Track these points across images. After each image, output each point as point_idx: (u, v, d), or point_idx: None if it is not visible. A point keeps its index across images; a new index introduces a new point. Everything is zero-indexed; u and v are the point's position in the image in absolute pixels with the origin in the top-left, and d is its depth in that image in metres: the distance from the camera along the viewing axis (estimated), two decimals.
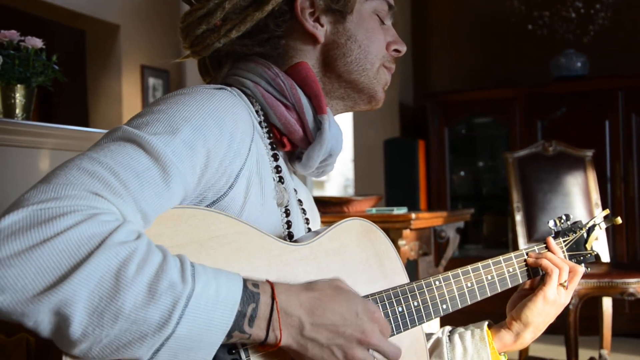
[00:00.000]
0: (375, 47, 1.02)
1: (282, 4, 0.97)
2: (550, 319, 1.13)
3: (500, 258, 1.12)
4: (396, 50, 1.05)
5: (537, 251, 1.15)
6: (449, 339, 1.15)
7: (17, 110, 1.74)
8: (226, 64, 1.02)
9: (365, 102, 1.05)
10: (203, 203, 0.85)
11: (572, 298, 2.61)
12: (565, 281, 1.11)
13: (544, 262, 1.11)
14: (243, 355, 0.79)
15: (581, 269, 1.13)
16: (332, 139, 0.98)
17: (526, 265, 1.14)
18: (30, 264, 0.63)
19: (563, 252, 1.20)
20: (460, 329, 1.17)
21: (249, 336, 0.74)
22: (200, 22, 0.97)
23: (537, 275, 1.15)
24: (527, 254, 1.14)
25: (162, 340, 0.66)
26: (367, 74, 1.01)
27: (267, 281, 0.77)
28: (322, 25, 0.99)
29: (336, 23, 1.00)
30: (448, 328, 1.18)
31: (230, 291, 0.71)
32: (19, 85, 1.73)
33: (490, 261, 1.10)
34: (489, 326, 1.16)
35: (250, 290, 0.74)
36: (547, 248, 1.16)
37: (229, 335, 0.71)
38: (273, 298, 0.75)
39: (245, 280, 0.74)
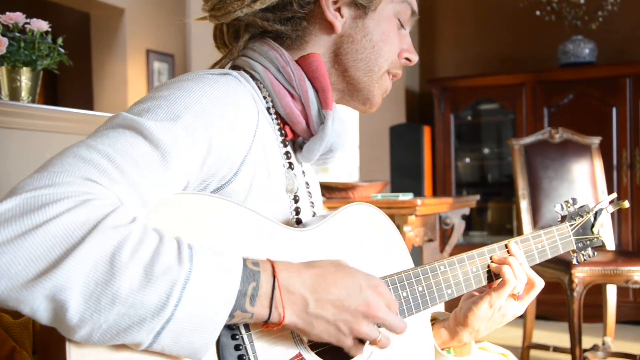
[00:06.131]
0: (388, 52, 1.02)
1: None
2: (495, 325, 1.09)
3: (504, 243, 1.10)
4: (407, 59, 1.06)
5: (497, 252, 1.08)
6: None
7: (23, 93, 1.73)
8: (244, 36, 1.01)
9: (360, 102, 1.05)
10: (207, 190, 0.85)
11: (576, 285, 2.62)
12: (518, 292, 1.07)
13: (504, 269, 1.05)
14: (243, 330, 0.79)
15: (540, 283, 1.09)
16: (334, 135, 0.98)
17: (532, 250, 1.13)
18: (23, 250, 0.63)
19: (570, 239, 1.19)
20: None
21: (252, 315, 0.74)
22: None
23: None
24: (490, 258, 1.07)
25: (161, 323, 0.66)
26: (371, 76, 1.01)
27: (268, 259, 0.77)
28: (342, 16, 0.99)
29: (356, 17, 1.00)
30: None
31: (230, 271, 0.71)
32: (24, 68, 1.72)
33: (495, 245, 1.09)
34: (432, 322, 1.14)
35: (250, 268, 0.73)
36: (508, 252, 1.09)
37: (231, 315, 0.71)
38: (274, 276, 0.75)
39: (244, 260, 0.74)
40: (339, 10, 0.99)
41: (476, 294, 1.12)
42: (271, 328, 0.77)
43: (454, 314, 1.12)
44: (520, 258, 1.08)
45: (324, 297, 0.77)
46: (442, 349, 1.13)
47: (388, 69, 1.03)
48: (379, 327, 0.83)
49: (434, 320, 1.16)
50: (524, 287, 1.08)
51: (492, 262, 1.07)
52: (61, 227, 0.64)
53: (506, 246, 1.09)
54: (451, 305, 1.09)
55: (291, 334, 0.83)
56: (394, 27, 1.02)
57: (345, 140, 1.02)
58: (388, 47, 1.01)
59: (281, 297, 0.75)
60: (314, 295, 0.77)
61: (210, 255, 0.71)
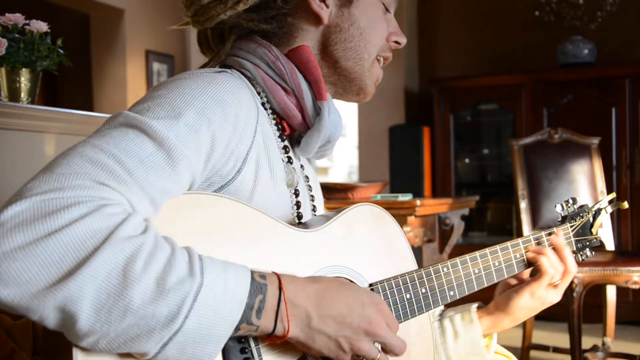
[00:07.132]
0: (376, 38, 1.01)
1: None
2: (534, 312, 1.12)
3: (508, 244, 1.11)
4: (396, 42, 1.05)
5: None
6: (440, 323, 1.15)
7: (22, 95, 1.73)
8: (229, 39, 1.00)
9: (354, 92, 1.05)
10: (211, 188, 0.84)
11: (575, 286, 2.62)
12: (557, 281, 1.09)
13: (542, 261, 1.08)
14: (252, 344, 0.78)
15: (574, 269, 1.10)
16: (331, 125, 0.97)
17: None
18: (34, 257, 0.61)
19: (570, 240, 1.19)
20: (450, 312, 1.16)
21: (257, 328, 0.73)
22: None
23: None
24: (524, 249, 1.10)
25: (170, 334, 0.66)
26: (362, 64, 1.01)
27: (274, 272, 0.77)
28: (327, 7, 0.99)
29: (342, 6, 0.99)
30: (437, 311, 1.18)
31: (238, 284, 0.71)
32: (24, 69, 1.72)
33: (498, 247, 1.09)
34: (478, 308, 1.16)
35: (257, 282, 0.73)
36: (551, 242, 1.12)
37: (237, 327, 0.71)
38: (280, 289, 0.75)
39: (252, 272, 0.74)
40: (323, 0, 0.98)
41: (513, 282, 1.14)
42: (274, 341, 0.77)
43: (495, 303, 1.14)
44: (561, 248, 1.11)
45: (326, 312, 0.77)
46: (484, 337, 1.14)
47: (378, 54, 1.03)
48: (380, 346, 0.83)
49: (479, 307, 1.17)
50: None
51: (527, 252, 1.10)
52: (74, 235, 0.63)
53: (549, 234, 1.13)
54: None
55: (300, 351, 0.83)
56: (380, 12, 1.02)
57: (341, 129, 1.02)
58: (376, 32, 1.01)
59: (287, 310, 0.75)
60: (317, 310, 0.77)
61: (220, 268, 0.70)
